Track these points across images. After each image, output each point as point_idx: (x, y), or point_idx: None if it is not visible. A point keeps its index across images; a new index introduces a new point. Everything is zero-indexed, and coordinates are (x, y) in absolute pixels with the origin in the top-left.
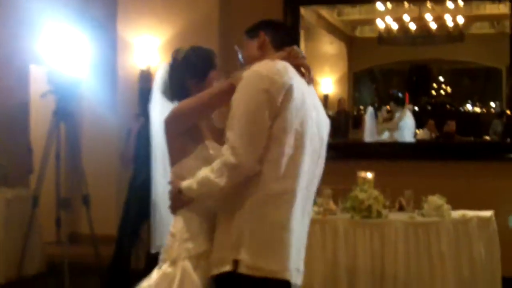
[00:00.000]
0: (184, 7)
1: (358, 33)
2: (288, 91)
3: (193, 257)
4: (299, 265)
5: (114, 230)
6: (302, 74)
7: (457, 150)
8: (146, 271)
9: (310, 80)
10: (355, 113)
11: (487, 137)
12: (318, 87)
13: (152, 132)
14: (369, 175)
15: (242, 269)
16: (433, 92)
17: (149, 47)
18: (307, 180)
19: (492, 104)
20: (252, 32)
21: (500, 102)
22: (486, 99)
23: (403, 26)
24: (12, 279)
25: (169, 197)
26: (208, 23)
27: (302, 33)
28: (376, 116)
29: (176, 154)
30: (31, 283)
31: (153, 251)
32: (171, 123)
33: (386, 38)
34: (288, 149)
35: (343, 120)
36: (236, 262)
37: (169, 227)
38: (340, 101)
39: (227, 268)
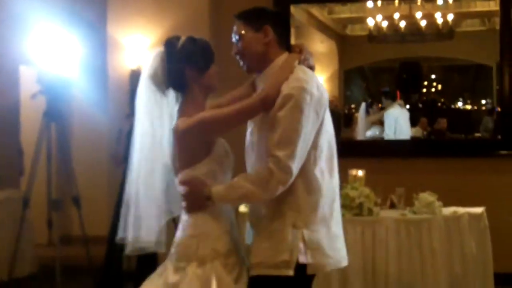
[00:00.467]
0: (174, 6)
1: (348, 31)
2: (326, 103)
3: (221, 256)
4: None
5: (105, 231)
6: None
7: (448, 147)
8: (138, 272)
9: None
10: (346, 111)
11: (478, 134)
12: None
13: (136, 127)
14: (360, 173)
15: (310, 271)
16: (424, 90)
17: (140, 47)
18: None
19: (483, 101)
20: (255, 23)
21: (491, 99)
22: (476, 96)
23: (393, 24)
24: (4, 280)
25: (187, 197)
26: (198, 21)
27: (292, 32)
28: (368, 112)
29: (191, 159)
30: (23, 285)
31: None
32: (191, 133)
33: (376, 36)
34: (325, 151)
35: (335, 119)
36: (303, 266)
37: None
38: (331, 99)
39: (290, 272)
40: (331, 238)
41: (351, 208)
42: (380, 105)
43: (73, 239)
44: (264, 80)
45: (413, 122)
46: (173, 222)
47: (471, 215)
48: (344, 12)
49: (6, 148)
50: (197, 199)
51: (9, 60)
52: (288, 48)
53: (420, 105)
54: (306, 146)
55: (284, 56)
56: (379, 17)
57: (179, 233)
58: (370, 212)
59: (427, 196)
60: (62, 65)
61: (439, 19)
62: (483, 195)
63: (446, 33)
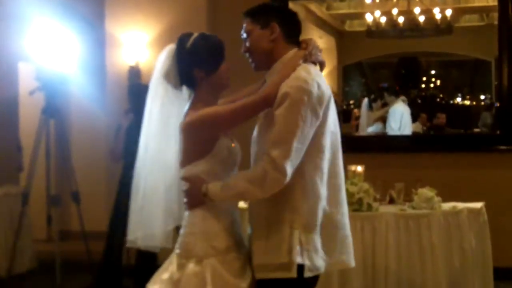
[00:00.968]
0: (172, 3)
1: (347, 27)
2: (328, 102)
3: (219, 253)
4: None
5: (104, 226)
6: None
7: (447, 142)
8: (137, 267)
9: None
10: (344, 107)
11: (477, 129)
12: None
13: (145, 122)
14: (359, 168)
15: (307, 273)
16: (423, 85)
17: (138, 43)
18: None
19: (482, 97)
20: (262, 19)
21: (490, 94)
22: (475, 91)
23: (391, 20)
24: (3, 276)
25: (187, 194)
26: (196, 17)
27: None
28: (371, 108)
29: (193, 155)
30: (22, 280)
31: (128, 245)
32: (196, 128)
33: (375, 31)
34: (327, 152)
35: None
36: (300, 267)
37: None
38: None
39: (293, 274)
40: (330, 240)
41: (351, 204)
42: (381, 101)
43: (72, 234)
44: (270, 76)
45: (413, 117)
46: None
47: (470, 210)
48: (343, 7)
49: (5, 144)
50: (196, 195)
51: (7, 56)
52: (298, 43)
53: (419, 101)
54: (302, 146)
55: (292, 52)
56: (377, 13)
57: (181, 230)
58: (370, 207)
59: (426, 192)
60: (60, 62)
61: (437, 15)
62: (482, 190)
63: (444, 29)
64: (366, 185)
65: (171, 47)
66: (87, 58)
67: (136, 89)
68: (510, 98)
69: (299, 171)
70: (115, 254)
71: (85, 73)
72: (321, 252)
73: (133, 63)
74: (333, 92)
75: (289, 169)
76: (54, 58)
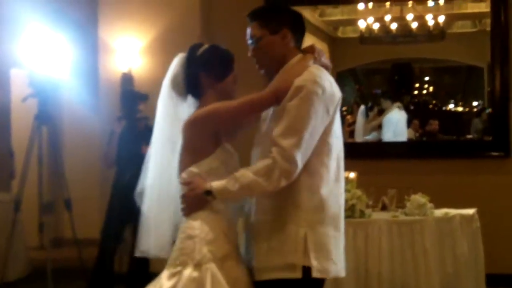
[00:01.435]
0: (164, 8)
1: (340, 33)
2: (337, 103)
3: (217, 259)
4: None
5: (97, 233)
6: None
7: (440, 148)
8: (129, 274)
9: None
10: None
11: (470, 136)
12: None
13: (156, 126)
14: (352, 174)
15: (315, 274)
16: (416, 92)
17: (131, 50)
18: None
19: (475, 103)
20: (272, 24)
21: (482, 100)
22: (468, 98)
23: (384, 26)
24: None
25: (184, 199)
26: (189, 23)
27: None
28: (367, 115)
29: (195, 154)
30: None
31: (137, 254)
32: (201, 121)
33: (368, 38)
34: (334, 152)
35: None
36: (305, 268)
37: (181, 229)
38: None
39: (298, 274)
40: (336, 242)
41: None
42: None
43: (64, 241)
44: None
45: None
46: None
47: (463, 217)
48: (336, 14)
49: None
50: (196, 196)
51: (0, 63)
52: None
53: (412, 107)
54: (312, 139)
55: (298, 57)
56: (370, 19)
57: (178, 236)
58: (362, 214)
59: (419, 198)
60: (53, 68)
61: (430, 21)
62: (474, 196)
63: (437, 35)
64: (358, 192)
65: (182, 55)
66: (80, 65)
67: (129, 95)
68: (502, 104)
69: (306, 167)
70: (108, 261)
71: (78, 79)
72: (329, 254)
73: (126, 70)
74: None
75: (300, 160)
76: (47, 64)
